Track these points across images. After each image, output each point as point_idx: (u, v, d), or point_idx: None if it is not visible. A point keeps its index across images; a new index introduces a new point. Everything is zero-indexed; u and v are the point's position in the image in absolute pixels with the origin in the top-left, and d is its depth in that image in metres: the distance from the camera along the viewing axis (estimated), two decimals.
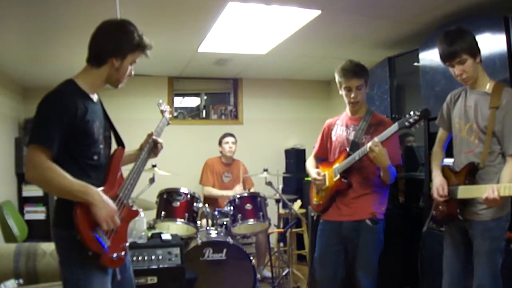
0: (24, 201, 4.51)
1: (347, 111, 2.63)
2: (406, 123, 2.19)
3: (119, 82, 1.77)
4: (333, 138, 2.63)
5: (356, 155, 2.37)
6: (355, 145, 2.45)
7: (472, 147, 2.10)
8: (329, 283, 2.55)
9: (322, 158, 2.74)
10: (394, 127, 2.25)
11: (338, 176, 2.46)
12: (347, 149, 2.47)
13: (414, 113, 2.18)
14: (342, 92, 2.53)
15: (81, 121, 1.62)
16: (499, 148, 2.03)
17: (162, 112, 2.18)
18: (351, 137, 2.51)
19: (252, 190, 4.43)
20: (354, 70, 2.45)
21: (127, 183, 1.77)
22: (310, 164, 2.76)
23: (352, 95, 2.48)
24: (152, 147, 1.97)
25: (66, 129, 1.57)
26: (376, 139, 2.26)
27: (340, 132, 2.60)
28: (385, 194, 2.54)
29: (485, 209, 2.02)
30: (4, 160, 4.24)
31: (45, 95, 1.60)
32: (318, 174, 2.57)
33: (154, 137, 1.98)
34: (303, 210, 4.31)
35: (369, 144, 2.27)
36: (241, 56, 4.24)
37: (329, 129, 2.68)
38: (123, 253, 1.72)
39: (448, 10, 2.88)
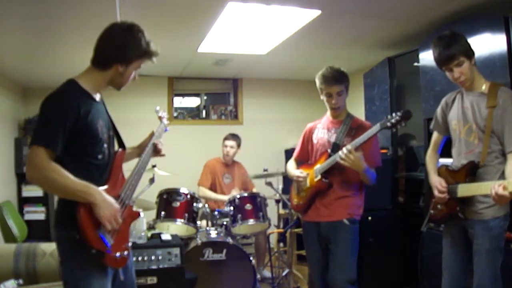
0: (24, 201, 4.51)
1: (328, 115, 2.68)
2: (388, 124, 2.22)
3: (122, 86, 1.77)
4: (314, 141, 2.67)
5: (337, 156, 2.39)
6: (336, 147, 2.49)
7: (471, 148, 2.10)
8: (320, 282, 2.58)
9: (303, 161, 2.78)
10: (376, 128, 2.28)
11: (319, 177, 2.50)
12: (328, 150, 2.51)
13: (395, 114, 2.21)
14: (323, 97, 2.58)
15: (85, 121, 1.61)
16: (499, 148, 2.03)
17: (160, 118, 2.18)
18: (333, 139, 2.55)
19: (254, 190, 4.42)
20: (334, 77, 2.50)
21: (129, 184, 1.78)
22: (291, 166, 2.79)
23: (334, 101, 2.53)
24: (152, 151, 1.98)
25: (69, 129, 1.57)
26: (349, 146, 2.30)
27: (322, 135, 2.64)
28: (363, 198, 2.58)
29: (485, 208, 2.02)
30: (4, 160, 4.24)
31: (47, 96, 1.60)
32: (301, 173, 2.61)
33: (154, 141, 1.99)
34: None
35: (339, 153, 2.30)
36: (241, 56, 4.23)
37: (310, 133, 2.73)
38: (126, 252, 1.72)
39: (448, 10, 2.88)
